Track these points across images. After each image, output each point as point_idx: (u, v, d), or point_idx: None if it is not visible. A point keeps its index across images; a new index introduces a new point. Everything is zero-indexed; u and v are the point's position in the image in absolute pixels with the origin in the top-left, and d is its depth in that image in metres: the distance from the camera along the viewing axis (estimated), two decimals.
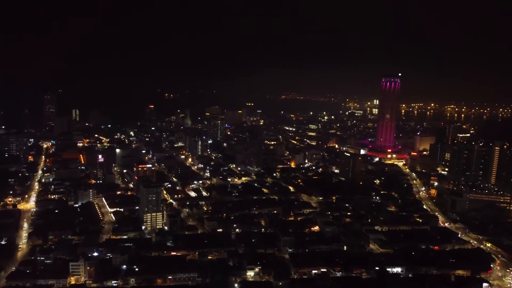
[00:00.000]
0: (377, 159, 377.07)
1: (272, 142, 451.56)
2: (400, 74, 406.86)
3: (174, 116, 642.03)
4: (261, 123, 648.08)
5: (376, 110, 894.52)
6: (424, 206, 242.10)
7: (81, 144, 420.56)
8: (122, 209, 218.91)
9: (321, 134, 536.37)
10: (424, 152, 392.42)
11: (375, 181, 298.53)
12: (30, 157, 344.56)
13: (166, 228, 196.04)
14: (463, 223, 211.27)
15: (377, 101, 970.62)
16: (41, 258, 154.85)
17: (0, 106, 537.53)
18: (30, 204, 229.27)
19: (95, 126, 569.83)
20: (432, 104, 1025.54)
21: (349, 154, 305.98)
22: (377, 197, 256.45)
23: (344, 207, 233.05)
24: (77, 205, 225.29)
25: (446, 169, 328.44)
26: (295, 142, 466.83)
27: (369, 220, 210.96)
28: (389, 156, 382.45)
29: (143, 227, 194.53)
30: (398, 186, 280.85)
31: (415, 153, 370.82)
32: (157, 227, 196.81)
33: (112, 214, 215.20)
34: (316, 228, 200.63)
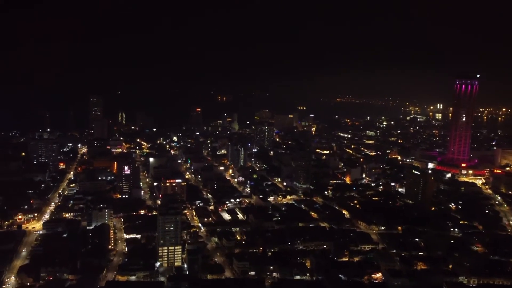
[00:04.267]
0: (449, 175, 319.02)
1: (325, 152, 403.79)
2: (478, 75, 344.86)
3: (221, 120, 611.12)
4: (313, 129, 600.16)
5: (440, 115, 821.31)
6: None
7: (119, 150, 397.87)
8: (139, 236, 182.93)
9: (380, 142, 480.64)
10: (507, 168, 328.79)
11: (450, 205, 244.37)
12: (61, 164, 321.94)
13: (185, 265, 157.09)
14: None
15: (441, 105, 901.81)
16: None
17: (47, 109, 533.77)
18: (40, 224, 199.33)
19: (140, 130, 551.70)
20: (504, 109, 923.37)
21: (418, 172, 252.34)
22: (456, 230, 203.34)
23: (413, 244, 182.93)
24: (91, 227, 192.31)
25: None
26: (351, 152, 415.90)
27: (450, 267, 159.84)
28: (463, 171, 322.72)
29: (157, 264, 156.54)
30: (482, 214, 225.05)
31: (499, 170, 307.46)
32: (175, 264, 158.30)
33: (126, 243, 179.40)
34: (379, 275, 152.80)
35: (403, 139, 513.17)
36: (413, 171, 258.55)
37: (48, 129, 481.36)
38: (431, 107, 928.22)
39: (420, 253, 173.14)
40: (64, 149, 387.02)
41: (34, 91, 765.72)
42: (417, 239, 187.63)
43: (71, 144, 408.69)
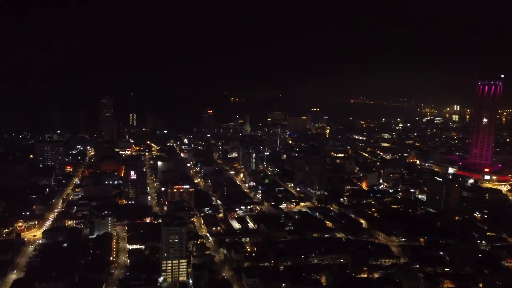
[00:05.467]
0: (471, 180, 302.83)
1: (339, 155, 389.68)
2: (502, 76, 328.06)
3: (233, 122, 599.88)
4: (327, 131, 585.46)
5: (457, 117, 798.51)
6: None
7: (128, 152, 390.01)
8: (143, 246, 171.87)
9: (397, 145, 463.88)
10: None
11: (474, 214, 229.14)
12: (68, 167, 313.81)
13: (190, 281, 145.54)
14: None
15: (458, 106, 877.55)
16: None
17: (59, 110, 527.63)
18: (41, 232, 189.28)
19: (151, 131, 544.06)
20: None
21: (440, 179, 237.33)
22: (483, 242, 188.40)
23: (438, 258, 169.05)
24: (93, 236, 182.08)
25: None
26: (366, 155, 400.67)
27: (480, 285, 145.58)
28: (486, 177, 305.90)
29: (161, 279, 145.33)
30: (510, 224, 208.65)
31: None
32: (180, 278, 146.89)
33: (128, 254, 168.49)
34: None
35: (421, 141, 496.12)
36: (435, 177, 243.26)
37: (58, 131, 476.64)
38: (448, 109, 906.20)
39: (446, 269, 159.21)
40: (73, 152, 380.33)
41: (47, 92, 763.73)
42: (441, 253, 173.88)
43: (80, 146, 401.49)
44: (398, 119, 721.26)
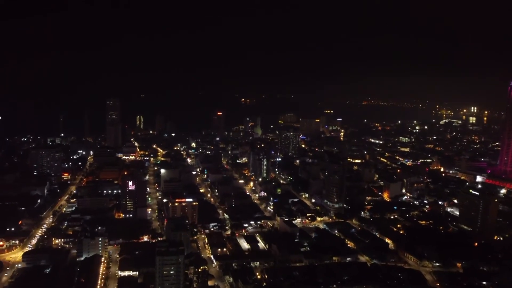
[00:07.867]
0: (503, 190, 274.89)
1: (356, 160, 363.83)
2: None
3: (243, 124, 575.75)
4: (342, 134, 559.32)
5: (474, 119, 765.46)
6: None
7: (132, 158, 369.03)
8: (136, 273, 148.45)
9: (416, 149, 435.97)
10: None
11: None
12: (66, 174, 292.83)
13: None
14: None
15: (475, 108, 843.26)
16: None
17: (62, 112, 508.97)
18: (22, 253, 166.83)
19: (158, 135, 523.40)
20: None
21: (477, 193, 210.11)
22: None
23: None
24: (81, 259, 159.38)
25: None
26: (385, 161, 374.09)
27: None
28: None
29: None
30: None
31: None
32: None
33: (118, 283, 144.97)
34: None
35: (441, 146, 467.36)
36: (470, 190, 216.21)
37: (62, 134, 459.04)
38: (464, 110, 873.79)
39: None
40: (74, 157, 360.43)
41: (53, 94, 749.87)
42: (484, 283, 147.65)
43: (82, 151, 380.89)
44: (415, 122, 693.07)
